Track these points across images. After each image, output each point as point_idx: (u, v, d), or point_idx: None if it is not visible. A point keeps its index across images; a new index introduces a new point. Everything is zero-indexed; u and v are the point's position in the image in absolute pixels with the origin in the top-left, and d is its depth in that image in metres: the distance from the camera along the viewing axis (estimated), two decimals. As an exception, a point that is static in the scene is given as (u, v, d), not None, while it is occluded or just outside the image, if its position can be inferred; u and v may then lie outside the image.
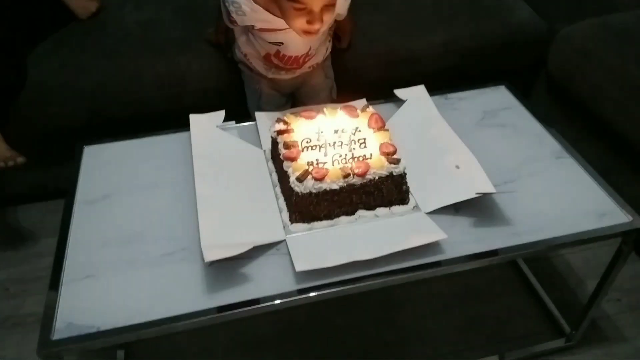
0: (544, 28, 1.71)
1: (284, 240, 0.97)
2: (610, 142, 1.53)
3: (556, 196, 1.07)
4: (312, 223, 0.99)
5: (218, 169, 1.10)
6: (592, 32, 1.60)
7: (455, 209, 1.03)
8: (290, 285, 0.90)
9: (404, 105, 1.29)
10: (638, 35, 1.53)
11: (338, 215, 1.01)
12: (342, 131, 1.07)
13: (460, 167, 1.10)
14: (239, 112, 1.45)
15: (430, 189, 1.06)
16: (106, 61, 1.49)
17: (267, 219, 1.01)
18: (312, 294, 0.89)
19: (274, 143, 1.09)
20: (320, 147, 1.03)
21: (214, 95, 1.52)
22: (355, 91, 1.33)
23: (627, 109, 1.42)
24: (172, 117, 1.25)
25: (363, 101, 1.30)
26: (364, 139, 1.05)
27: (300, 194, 0.95)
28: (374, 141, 1.05)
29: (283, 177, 1.02)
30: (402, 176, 1.00)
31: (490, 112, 1.30)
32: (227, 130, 1.22)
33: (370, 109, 1.12)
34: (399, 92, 1.31)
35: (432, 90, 1.32)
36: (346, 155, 1.01)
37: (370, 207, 1.02)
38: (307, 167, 0.97)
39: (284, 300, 0.88)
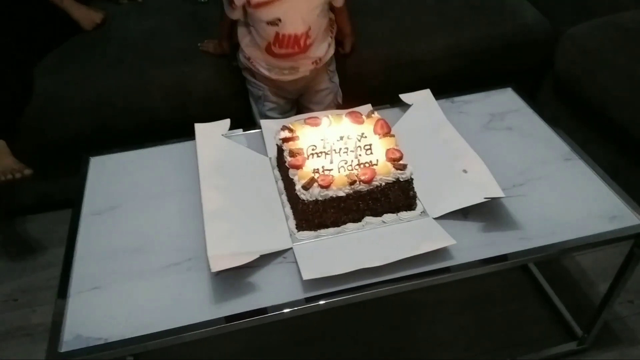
0: (549, 29, 1.70)
1: (291, 248, 0.96)
2: (618, 143, 1.51)
3: (566, 199, 1.06)
4: (318, 230, 0.99)
5: (224, 177, 1.10)
6: (598, 32, 1.59)
7: (464, 213, 1.02)
8: (297, 293, 0.89)
9: (409, 109, 1.28)
10: (645, 35, 1.51)
11: (345, 222, 1.00)
12: (348, 138, 1.06)
13: (468, 172, 1.09)
14: (245, 120, 1.46)
15: (438, 194, 1.05)
16: (111, 72, 1.50)
17: (274, 227, 1.00)
18: (320, 303, 0.88)
19: (280, 151, 1.09)
20: (325, 154, 1.03)
21: (220, 104, 1.52)
22: (361, 96, 1.33)
23: (635, 108, 1.41)
24: (178, 126, 1.25)
25: (368, 106, 1.29)
26: (370, 145, 1.04)
27: (306, 201, 0.95)
28: (380, 147, 1.04)
29: (289, 184, 1.02)
30: (409, 182, 0.99)
31: (497, 115, 1.29)
32: (232, 139, 1.22)
33: (376, 115, 1.12)
34: (405, 97, 1.30)
35: (438, 94, 1.31)
36: (352, 161, 1.01)
37: (377, 213, 1.01)
38: (312, 175, 0.96)
39: (291, 309, 0.87)
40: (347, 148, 1.04)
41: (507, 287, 1.41)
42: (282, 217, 1.03)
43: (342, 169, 0.99)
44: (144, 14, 1.72)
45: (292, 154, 1.02)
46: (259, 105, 1.46)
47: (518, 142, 1.21)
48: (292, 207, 1.03)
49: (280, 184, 1.10)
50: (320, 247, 0.96)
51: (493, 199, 1.00)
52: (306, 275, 0.88)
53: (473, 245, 0.96)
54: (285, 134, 1.08)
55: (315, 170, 0.99)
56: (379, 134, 1.07)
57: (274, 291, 0.90)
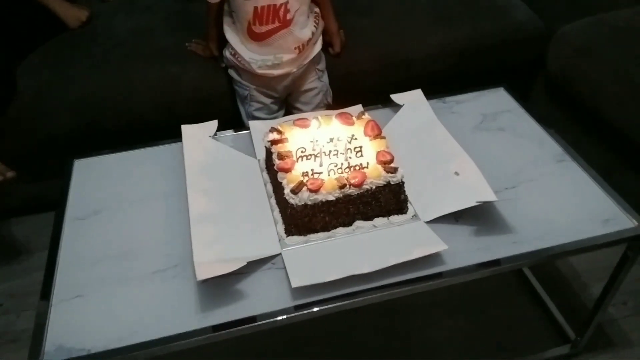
0: (541, 27, 1.68)
1: (280, 254, 0.94)
2: (611, 142, 1.50)
3: (559, 202, 1.05)
4: (308, 235, 0.97)
5: (211, 180, 1.08)
6: (590, 30, 1.58)
7: (456, 217, 1.00)
8: (287, 301, 0.87)
9: (400, 110, 1.26)
10: (637, 33, 1.50)
11: (335, 227, 0.98)
12: (338, 139, 1.04)
13: (459, 174, 1.07)
14: (233, 121, 1.44)
15: (430, 197, 1.03)
16: (97, 71, 1.47)
17: (262, 231, 0.98)
18: (309, 310, 0.86)
19: (268, 153, 1.07)
20: (315, 156, 1.01)
21: (208, 105, 1.49)
22: (351, 96, 1.31)
23: (628, 107, 1.40)
24: (165, 127, 1.22)
25: (359, 107, 1.27)
26: (360, 147, 1.02)
27: (295, 206, 0.93)
28: (371, 149, 1.02)
29: (278, 188, 1.00)
30: (400, 185, 0.97)
31: (489, 115, 1.27)
32: (220, 140, 1.20)
33: (366, 116, 1.10)
34: (396, 97, 1.28)
35: (430, 94, 1.30)
36: (342, 164, 0.99)
37: (368, 217, 0.99)
38: (301, 179, 0.94)
39: (281, 317, 0.85)
40: (337, 150, 1.02)
41: (499, 289, 1.40)
42: (270, 221, 1.00)
43: (332, 172, 0.97)
44: (130, 11, 1.68)
45: (281, 156, 1.00)
46: (245, 106, 1.44)
47: (510, 143, 1.19)
48: (280, 211, 1.01)
49: (269, 187, 1.07)
50: (309, 252, 0.94)
51: (485, 202, 0.98)
52: (295, 283, 0.86)
53: (465, 250, 0.95)
54: (274, 135, 1.05)
55: (305, 174, 0.97)
56: (370, 136, 1.05)
57: (263, 298, 0.88)
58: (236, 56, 1.36)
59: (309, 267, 0.90)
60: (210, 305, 0.87)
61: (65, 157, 1.19)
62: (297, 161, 1.00)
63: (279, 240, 0.97)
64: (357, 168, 0.98)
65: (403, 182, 0.98)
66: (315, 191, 0.92)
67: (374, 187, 0.95)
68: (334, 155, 1.01)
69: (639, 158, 1.40)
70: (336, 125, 1.07)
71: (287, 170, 0.97)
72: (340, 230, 0.98)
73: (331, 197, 0.93)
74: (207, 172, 1.10)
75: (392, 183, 0.96)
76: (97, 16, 1.66)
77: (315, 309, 0.86)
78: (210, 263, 0.88)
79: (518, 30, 1.67)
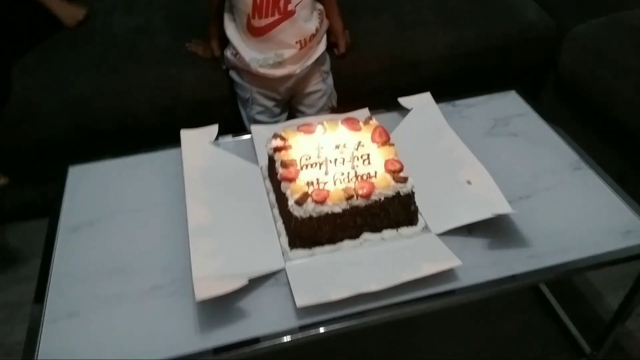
0: (553, 27, 1.63)
1: (284, 268, 0.89)
2: (624, 146, 1.45)
3: (576, 212, 0.99)
4: (313, 248, 0.92)
5: (211, 189, 1.03)
6: (603, 30, 1.53)
7: (468, 229, 0.95)
8: (291, 320, 0.82)
9: (409, 114, 1.21)
10: (654, 33, 1.45)
11: (341, 239, 0.93)
12: (344, 146, 0.99)
13: (472, 183, 1.02)
14: (234, 125, 1.39)
15: (441, 208, 0.98)
16: (94, 73, 1.42)
17: (265, 244, 0.93)
18: (315, 332, 0.81)
19: (271, 161, 1.02)
20: (320, 164, 0.96)
21: (208, 108, 1.44)
22: (357, 99, 1.26)
23: (643, 111, 1.35)
24: (164, 130, 1.17)
25: (365, 111, 1.21)
26: (368, 155, 0.97)
27: (299, 218, 0.88)
28: (379, 157, 0.97)
29: (281, 198, 0.95)
30: (410, 196, 0.92)
31: (501, 119, 1.22)
32: (221, 146, 1.15)
33: (374, 122, 1.04)
34: (404, 101, 1.23)
35: (439, 96, 1.24)
36: (349, 173, 0.94)
37: (376, 229, 0.94)
38: (306, 189, 0.89)
39: (285, 339, 0.80)
40: (343, 158, 0.97)
41: (510, 301, 1.35)
42: (273, 233, 0.95)
43: (338, 182, 0.92)
44: (129, 10, 1.63)
45: (285, 164, 0.95)
46: (247, 109, 1.39)
47: (524, 149, 1.14)
48: (284, 223, 0.96)
49: (272, 196, 1.02)
50: (314, 267, 0.89)
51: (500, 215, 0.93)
52: (300, 302, 0.81)
53: (479, 265, 0.90)
54: (277, 142, 1.00)
55: (310, 183, 0.92)
56: (377, 143, 1.00)
57: (266, 318, 0.83)
58: (237, 56, 1.31)
59: (314, 284, 0.85)
60: (210, 325, 0.82)
61: (60, 161, 1.14)
62: (301, 170, 0.95)
63: (283, 253, 0.92)
64: (364, 177, 0.93)
65: (413, 193, 0.93)
66: (321, 202, 0.87)
67: (382, 198, 0.90)
68: (340, 163, 0.96)
69: (654, 163, 1.36)
70: (342, 131, 1.02)
71: (291, 180, 0.92)
72: (347, 242, 0.93)
73: (337, 209, 0.88)
74: (207, 180, 1.05)
75: (402, 194, 0.91)
76: (95, 14, 1.61)
77: (322, 330, 0.81)
78: (210, 280, 0.83)
79: (528, 30, 1.62)
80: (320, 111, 1.43)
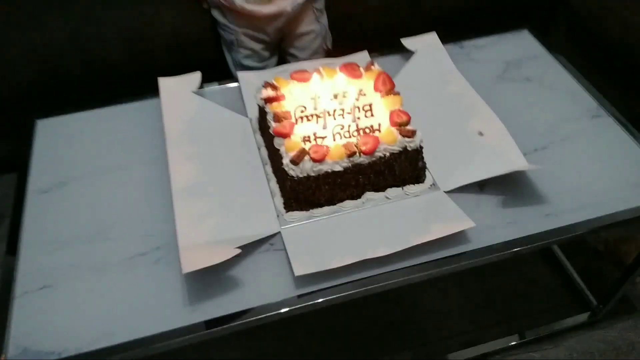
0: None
1: (279, 232, 0.81)
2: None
3: (595, 165, 0.92)
4: (311, 210, 0.84)
5: (195, 144, 0.93)
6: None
7: (480, 185, 0.87)
8: (289, 289, 0.75)
9: (413, 57, 1.09)
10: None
11: (341, 200, 0.85)
12: (344, 96, 0.89)
13: (484, 134, 0.93)
14: (219, 70, 1.26)
15: (451, 163, 0.89)
16: (60, 15, 1.26)
17: (257, 206, 0.85)
18: (316, 301, 0.74)
19: (262, 113, 0.91)
20: (317, 117, 0.86)
21: (189, 52, 1.31)
22: (354, 40, 1.14)
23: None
24: (142, 78, 1.06)
25: (365, 54, 1.10)
26: (370, 106, 0.87)
27: (296, 178, 0.79)
28: (383, 108, 0.87)
29: (274, 154, 0.85)
30: (418, 151, 0.83)
31: (513, 62, 1.12)
32: (205, 96, 1.03)
33: (376, 67, 0.94)
34: (407, 42, 1.11)
35: (445, 37, 1.13)
36: (349, 126, 0.84)
37: (380, 187, 0.86)
38: (303, 146, 0.80)
39: (283, 310, 0.73)
40: (342, 109, 0.87)
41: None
42: (267, 193, 0.87)
43: (337, 136, 0.83)
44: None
45: (278, 118, 0.84)
46: (232, 53, 1.26)
47: (538, 95, 1.05)
48: (278, 182, 0.87)
49: (264, 151, 0.93)
50: (313, 231, 0.81)
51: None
52: (298, 271, 0.74)
53: (491, 225, 0.83)
54: (268, 92, 0.90)
55: (306, 139, 0.82)
56: (381, 92, 0.89)
57: (261, 287, 0.76)
58: None
59: (313, 250, 0.77)
60: (200, 297, 0.74)
61: (27, 114, 1.03)
62: (296, 123, 0.85)
63: (277, 216, 0.83)
64: (367, 131, 0.83)
65: (422, 148, 0.83)
66: (320, 161, 0.78)
67: (388, 155, 0.81)
68: (339, 115, 0.86)
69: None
70: (341, 79, 0.91)
71: (285, 135, 0.82)
72: (348, 203, 0.85)
73: (338, 168, 0.79)
74: (191, 134, 0.95)
75: (410, 149, 0.82)
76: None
77: (321, 300, 0.74)
78: (198, 250, 0.75)
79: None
80: (313, 54, 1.31)
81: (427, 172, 0.88)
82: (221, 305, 0.74)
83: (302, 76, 0.92)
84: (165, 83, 1.01)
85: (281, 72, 1.07)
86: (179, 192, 0.85)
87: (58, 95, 1.26)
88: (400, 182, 0.86)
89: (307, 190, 0.81)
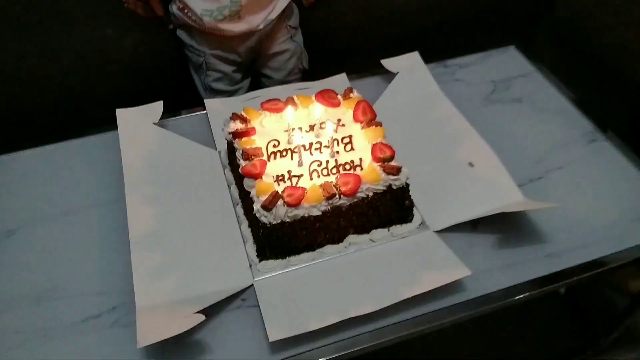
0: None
1: (252, 285, 0.72)
2: (636, 102, 1.29)
3: (596, 196, 0.85)
4: (287, 258, 0.75)
5: (156, 185, 0.83)
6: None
7: (473, 223, 0.79)
8: (262, 353, 0.66)
9: (394, 80, 1.02)
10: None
11: (322, 245, 0.76)
12: (320, 127, 0.81)
13: (474, 165, 0.86)
14: (190, 96, 1.17)
15: (440, 199, 0.82)
16: (13, 36, 1.16)
17: (227, 255, 0.75)
18: (293, 368, 0.65)
19: (231, 147, 0.82)
20: (292, 152, 0.77)
21: (154, 77, 1.21)
22: (331, 60, 1.07)
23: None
24: (103, 106, 0.96)
25: (343, 77, 1.03)
26: (350, 137, 0.79)
27: (269, 225, 0.70)
28: (363, 140, 0.79)
29: (246, 194, 0.76)
30: (405, 189, 0.75)
31: (501, 82, 1.05)
32: (168, 127, 0.94)
33: (355, 95, 0.85)
34: (388, 63, 1.04)
35: (427, 56, 1.06)
36: (328, 162, 0.76)
37: (364, 229, 0.77)
38: (275, 188, 0.71)
39: (255, 380, 0.64)
40: (320, 143, 0.79)
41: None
42: (238, 239, 0.78)
43: (315, 174, 0.74)
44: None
45: (247, 155, 0.75)
46: (201, 76, 1.17)
47: (529, 118, 0.98)
48: (250, 226, 0.78)
49: (235, 189, 0.84)
50: (290, 283, 0.72)
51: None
52: (274, 336, 0.64)
53: (488, 269, 0.75)
54: (237, 125, 0.81)
55: (280, 178, 0.73)
56: (361, 122, 0.81)
57: (232, 352, 0.67)
58: (185, 11, 1.07)
59: (290, 308, 0.68)
60: (161, 366, 0.65)
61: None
62: (268, 160, 0.76)
63: (250, 265, 0.74)
64: (347, 168, 0.75)
65: (408, 185, 0.75)
66: (295, 205, 0.69)
67: (371, 195, 0.73)
68: (316, 149, 0.78)
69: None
70: (317, 108, 0.83)
71: (256, 176, 0.73)
72: (329, 248, 0.76)
73: (316, 212, 0.71)
74: (152, 172, 0.85)
75: (395, 187, 0.74)
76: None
77: (301, 365, 0.65)
78: (156, 314, 0.65)
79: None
80: (289, 75, 1.22)
81: (415, 211, 0.80)
82: (185, 376, 0.64)
83: (274, 106, 0.83)
84: (123, 115, 0.91)
85: (252, 99, 0.98)
86: (137, 241, 0.75)
87: (7, 128, 1.16)
88: (386, 223, 0.78)
89: (282, 238, 0.72)
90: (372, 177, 0.73)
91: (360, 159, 0.76)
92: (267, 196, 0.69)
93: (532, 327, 1.16)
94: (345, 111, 0.83)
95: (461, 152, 0.87)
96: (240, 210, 0.81)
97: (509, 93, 1.03)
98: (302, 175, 0.74)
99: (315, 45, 1.24)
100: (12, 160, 0.92)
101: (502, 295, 0.72)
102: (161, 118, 0.93)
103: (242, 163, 0.75)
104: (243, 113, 0.82)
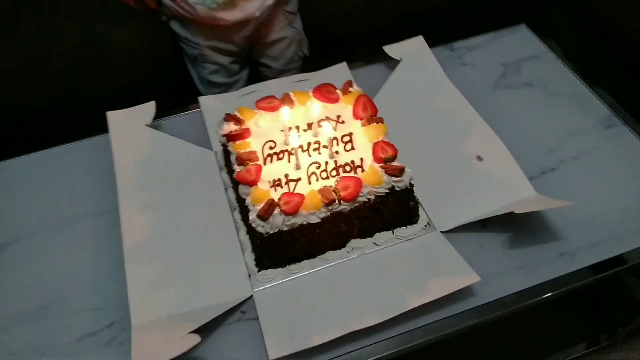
0: None
1: (251, 296, 0.69)
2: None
3: (614, 188, 0.80)
4: (287, 266, 0.72)
5: (150, 191, 0.80)
6: None
7: (482, 222, 0.75)
8: (264, 369, 0.64)
9: (398, 67, 0.96)
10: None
11: (323, 251, 0.73)
12: (319, 125, 0.76)
13: (483, 159, 0.81)
14: (188, 90, 1.13)
15: (447, 197, 0.77)
16: (3, 33, 1.12)
17: (225, 265, 0.72)
18: (296, 384, 0.63)
19: (226, 149, 0.79)
20: (289, 154, 0.73)
21: (150, 71, 1.17)
22: (331, 47, 1.02)
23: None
24: (96, 106, 0.92)
25: (344, 66, 0.97)
26: (350, 136, 0.75)
27: (265, 235, 0.66)
28: (364, 138, 0.75)
29: (242, 200, 0.73)
30: (409, 190, 0.71)
31: (512, 65, 0.99)
32: (162, 128, 0.91)
33: (355, 88, 0.81)
34: (391, 49, 0.98)
35: (432, 40, 1.00)
36: (327, 164, 0.72)
37: (366, 233, 0.74)
38: (271, 196, 0.67)
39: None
40: (318, 143, 0.75)
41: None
42: (236, 247, 0.74)
43: (313, 177, 0.71)
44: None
45: (241, 160, 0.72)
46: (197, 69, 1.12)
47: (542, 104, 0.93)
48: (249, 233, 0.75)
49: (232, 193, 0.80)
50: (291, 293, 0.69)
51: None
52: (274, 353, 0.62)
53: (498, 271, 0.71)
54: (230, 127, 0.77)
55: (276, 183, 0.70)
56: (362, 119, 0.77)
57: (231, 369, 0.64)
58: (177, 0, 1.02)
59: (291, 322, 0.66)
60: (159, 385, 0.63)
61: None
62: (264, 163, 0.72)
63: (249, 275, 0.71)
64: (347, 169, 0.71)
65: (412, 185, 0.71)
66: (292, 213, 0.66)
67: (373, 198, 0.69)
68: (314, 150, 0.74)
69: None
70: (315, 105, 0.78)
71: (251, 183, 0.69)
72: (330, 254, 0.73)
73: (315, 219, 0.67)
74: (145, 177, 0.82)
75: (398, 189, 0.70)
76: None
77: (305, 381, 0.63)
78: (152, 333, 0.63)
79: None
80: (288, 63, 1.17)
81: (420, 210, 0.76)
82: (184, 394, 0.62)
83: (269, 104, 0.79)
84: (114, 118, 0.88)
85: (248, 94, 0.94)
86: (131, 252, 0.73)
87: (5, 128, 1.13)
88: (390, 225, 0.74)
89: (281, 247, 0.69)
90: (374, 179, 0.68)
91: (361, 159, 0.72)
92: (262, 205, 0.66)
93: (546, 317, 1.12)
94: (345, 107, 0.79)
95: (469, 145, 0.83)
96: (237, 215, 0.78)
97: (520, 77, 0.97)
98: (299, 179, 0.70)
99: (316, 30, 1.18)
100: (2, 169, 0.89)
101: (513, 300, 0.68)
102: (154, 118, 0.90)
103: (237, 169, 0.71)
104: (237, 113, 0.78)
